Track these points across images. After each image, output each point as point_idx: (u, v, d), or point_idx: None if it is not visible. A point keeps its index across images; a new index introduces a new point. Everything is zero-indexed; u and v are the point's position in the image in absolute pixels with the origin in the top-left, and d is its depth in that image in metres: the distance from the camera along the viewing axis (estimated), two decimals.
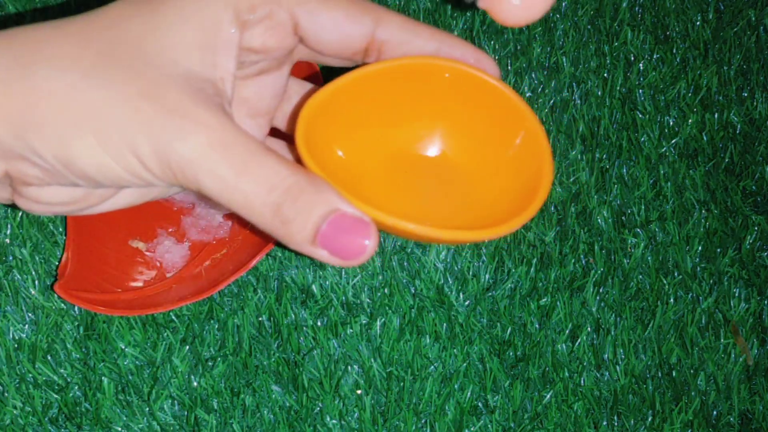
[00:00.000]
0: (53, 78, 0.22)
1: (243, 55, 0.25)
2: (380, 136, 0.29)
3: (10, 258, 0.45)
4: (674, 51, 0.57)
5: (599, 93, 0.54)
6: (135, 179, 0.23)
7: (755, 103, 0.56)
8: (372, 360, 0.45)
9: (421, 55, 0.27)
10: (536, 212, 0.25)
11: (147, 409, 0.43)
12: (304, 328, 0.45)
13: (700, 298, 0.49)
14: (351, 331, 0.45)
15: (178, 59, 0.23)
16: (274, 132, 0.30)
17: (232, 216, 0.47)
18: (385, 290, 0.46)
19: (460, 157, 0.30)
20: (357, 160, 0.29)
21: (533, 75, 0.54)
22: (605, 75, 0.55)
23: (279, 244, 0.46)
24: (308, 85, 0.30)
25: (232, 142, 0.23)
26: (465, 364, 0.45)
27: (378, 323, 0.45)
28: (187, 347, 0.44)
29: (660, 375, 0.47)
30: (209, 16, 0.24)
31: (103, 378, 0.43)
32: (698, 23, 0.58)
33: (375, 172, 0.29)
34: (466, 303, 0.47)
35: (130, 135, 0.22)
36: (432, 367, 0.45)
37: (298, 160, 0.25)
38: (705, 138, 0.54)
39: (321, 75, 0.45)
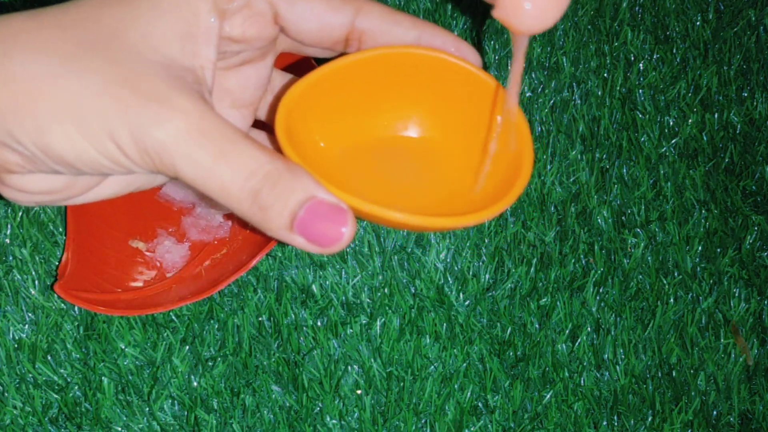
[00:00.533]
0: (31, 65, 0.23)
1: (224, 44, 0.25)
2: (361, 125, 0.29)
3: (10, 258, 0.45)
4: (674, 51, 0.57)
5: (599, 93, 0.54)
6: (115, 166, 0.23)
7: (755, 103, 0.56)
8: (372, 360, 0.45)
9: (402, 44, 0.27)
10: (517, 198, 0.25)
11: (147, 409, 0.43)
12: (304, 328, 0.45)
13: (700, 298, 0.49)
14: (351, 331, 0.45)
15: (158, 47, 0.23)
16: (258, 124, 0.30)
17: (233, 216, 0.47)
18: (385, 290, 0.46)
19: (442, 144, 0.30)
20: (337, 149, 0.29)
21: (533, 75, 0.54)
22: (605, 75, 0.55)
23: (279, 243, 0.46)
24: (293, 78, 0.30)
25: (210, 128, 0.23)
26: (465, 364, 0.45)
27: (378, 323, 0.45)
28: (187, 347, 0.44)
29: (660, 375, 0.47)
30: (188, 6, 0.24)
31: (103, 378, 0.43)
32: (698, 23, 0.58)
33: (356, 160, 0.29)
34: (466, 303, 0.47)
35: (108, 121, 0.22)
36: (432, 367, 0.45)
37: (279, 150, 0.25)
38: (705, 138, 0.54)
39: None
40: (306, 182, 0.23)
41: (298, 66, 0.44)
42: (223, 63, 0.27)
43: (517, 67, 0.26)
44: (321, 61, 0.28)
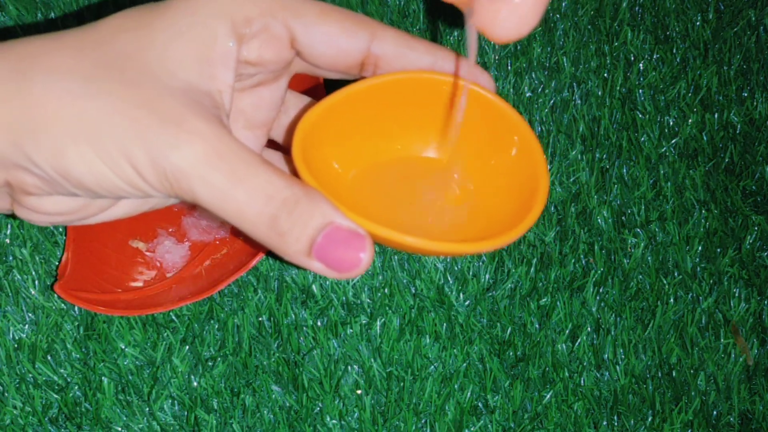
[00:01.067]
0: (50, 87, 0.22)
1: (240, 67, 0.25)
2: (377, 149, 0.30)
3: (10, 258, 0.45)
4: (674, 51, 0.57)
5: (599, 93, 0.54)
6: (132, 189, 0.23)
7: (755, 103, 0.56)
8: (372, 360, 0.45)
9: (417, 68, 0.27)
10: (533, 224, 0.26)
11: (147, 409, 0.43)
12: (304, 328, 0.45)
13: (700, 298, 0.49)
14: (351, 331, 0.45)
15: (176, 71, 0.23)
16: (271, 144, 0.30)
17: None
18: (385, 290, 0.46)
19: (457, 169, 0.30)
20: (354, 172, 0.29)
21: (533, 75, 0.54)
22: (605, 75, 0.55)
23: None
24: (306, 99, 0.30)
25: (228, 153, 0.23)
26: (465, 364, 0.45)
27: (378, 323, 0.45)
28: (187, 347, 0.44)
29: (660, 375, 0.47)
30: (206, 30, 0.24)
31: (103, 378, 0.43)
32: (698, 23, 0.58)
33: (372, 183, 0.29)
34: (466, 303, 0.47)
35: (126, 144, 0.22)
36: (432, 367, 0.45)
37: (295, 173, 0.25)
38: (705, 138, 0.54)
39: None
40: (324, 208, 0.23)
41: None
42: (237, 84, 0.26)
43: (472, 55, 0.26)
44: (337, 84, 0.28)
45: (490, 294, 0.47)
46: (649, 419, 0.46)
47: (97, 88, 0.23)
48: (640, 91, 0.55)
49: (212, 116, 0.23)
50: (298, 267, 0.26)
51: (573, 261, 0.49)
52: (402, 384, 0.45)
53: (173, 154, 0.22)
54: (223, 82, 0.24)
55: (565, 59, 0.55)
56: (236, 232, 0.47)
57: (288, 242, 0.23)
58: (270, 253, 0.46)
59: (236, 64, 0.25)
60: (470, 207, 0.29)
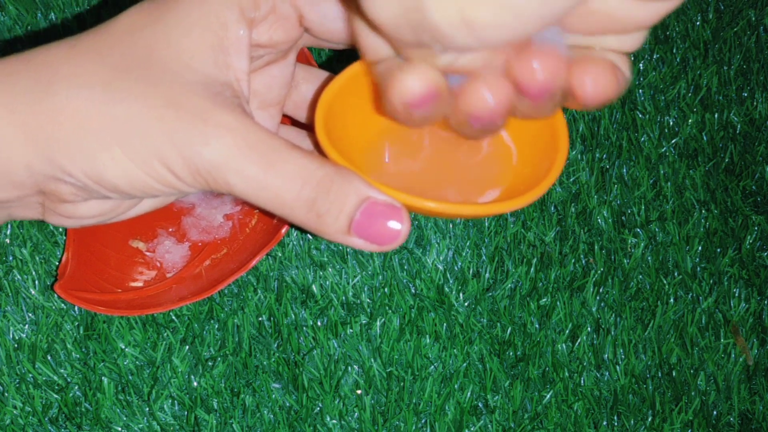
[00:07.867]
0: (74, 96, 0.23)
1: (252, 51, 0.25)
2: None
3: (10, 258, 0.45)
4: (674, 51, 0.57)
5: None
6: (167, 188, 0.24)
7: (755, 103, 0.56)
8: (372, 360, 0.45)
9: None
10: (555, 180, 0.26)
11: (147, 409, 0.43)
12: (304, 328, 0.45)
13: (700, 298, 0.49)
14: (351, 331, 0.45)
15: (193, 65, 0.24)
16: (285, 120, 0.31)
17: (233, 216, 0.47)
18: (385, 290, 0.46)
19: None
20: (379, 141, 0.29)
21: None
22: None
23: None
24: (315, 71, 0.30)
25: (257, 142, 0.23)
26: (465, 364, 0.45)
27: (378, 323, 0.45)
28: (187, 347, 0.44)
29: (660, 375, 0.47)
30: (216, 19, 0.24)
31: (103, 378, 0.43)
32: (698, 23, 0.58)
33: (397, 150, 0.29)
34: (466, 303, 0.47)
35: (156, 145, 0.23)
36: (432, 367, 0.45)
37: (317, 147, 0.26)
38: (705, 138, 0.54)
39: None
40: (357, 184, 0.24)
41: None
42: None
43: None
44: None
45: (490, 294, 0.47)
46: (649, 419, 0.46)
47: (120, 92, 0.23)
48: (640, 91, 0.55)
49: (235, 106, 0.23)
50: (337, 243, 0.26)
51: (573, 261, 0.49)
52: (402, 384, 0.45)
53: (204, 150, 0.22)
54: (239, 69, 0.24)
55: None
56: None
57: (327, 222, 0.24)
58: (270, 253, 0.46)
59: (249, 50, 0.25)
60: (497, 167, 0.29)
